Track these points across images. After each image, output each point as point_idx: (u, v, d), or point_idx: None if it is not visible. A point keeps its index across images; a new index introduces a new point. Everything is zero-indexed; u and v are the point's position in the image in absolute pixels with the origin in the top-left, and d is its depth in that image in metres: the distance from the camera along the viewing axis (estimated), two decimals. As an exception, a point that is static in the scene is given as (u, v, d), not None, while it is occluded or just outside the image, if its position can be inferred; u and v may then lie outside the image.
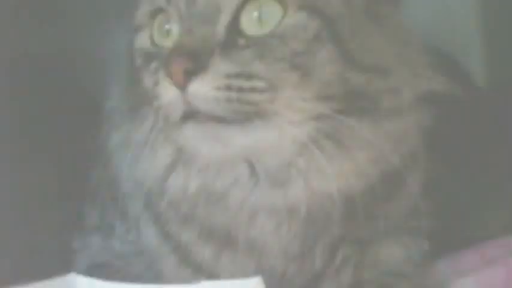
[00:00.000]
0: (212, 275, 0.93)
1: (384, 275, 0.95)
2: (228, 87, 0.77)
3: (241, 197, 0.86)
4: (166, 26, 0.86)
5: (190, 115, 0.78)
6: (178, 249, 0.96)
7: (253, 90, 0.78)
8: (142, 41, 0.89)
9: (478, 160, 1.20)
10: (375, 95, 0.83)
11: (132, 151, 0.89)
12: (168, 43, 0.85)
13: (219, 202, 0.88)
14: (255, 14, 0.80)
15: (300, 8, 0.80)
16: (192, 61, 0.76)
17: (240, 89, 0.77)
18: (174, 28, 0.84)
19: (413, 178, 0.90)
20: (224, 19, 0.80)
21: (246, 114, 0.78)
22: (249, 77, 0.78)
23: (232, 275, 0.91)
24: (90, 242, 1.08)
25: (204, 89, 0.76)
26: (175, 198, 0.90)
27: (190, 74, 0.76)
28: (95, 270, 1.01)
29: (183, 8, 0.82)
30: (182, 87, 0.77)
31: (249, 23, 0.81)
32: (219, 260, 0.93)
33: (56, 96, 1.16)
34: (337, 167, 0.82)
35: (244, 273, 0.90)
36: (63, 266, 1.00)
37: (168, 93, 0.78)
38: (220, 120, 0.78)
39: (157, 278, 0.98)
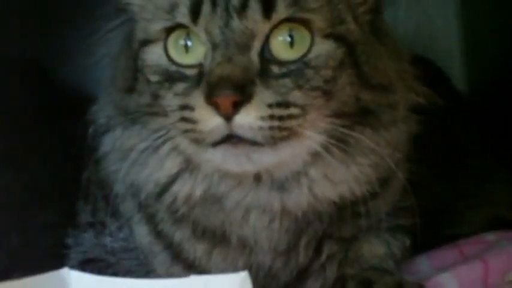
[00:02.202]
0: (203, 271, 0.93)
1: (366, 270, 0.96)
2: (271, 117, 0.77)
3: (239, 198, 0.88)
4: (182, 42, 0.83)
5: (225, 139, 0.79)
6: (170, 247, 0.97)
7: (290, 117, 0.79)
8: (154, 56, 0.86)
9: (459, 162, 1.21)
10: (378, 110, 0.86)
11: (132, 158, 0.89)
12: (187, 60, 0.83)
13: (216, 203, 0.89)
14: (283, 39, 0.81)
15: (327, 36, 0.82)
16: (240, 93, 0.76)
17: (281, 118, 0.78)
18: (200, 46, 0.82)
19: (397, 178, 0.92)
20: (257, 46, 0.80)
21: (281, 138, 0.79)
22: (288, 105, 0.79)
23: (223, 271, 0.92)
24: (83, 239, 1.07)
25: (249, 119, 0.77)
26: (177, 203, 0.90)
27: (237, 105, 0.76)
28: (87, 266, 1.02)
29: (217, 34, 0.80)
30: (229, 117, 0.77)
31: (279, 47, 0.81)
32: (211, 257, 0.94)
33: (49, 97, 1.16)
34: (345, 174, 0.85)
35: (234, 269, 0.90)
36: (56, 261, 1.00)
37: (210, 121, 0.78)
38: (254, 143, 0.79)
39: (149, 274, 0.99)
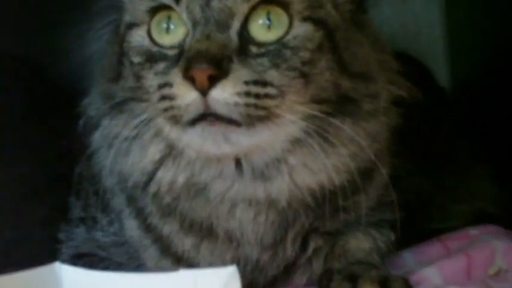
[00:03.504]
0: (192, 265, 0.94)
1: (352, 264, 0.96)
2: (247, 94, 0.78)
3: (223, 190, 0.87)
4: (164, 25, 0.85)
5: (202, 117, 0.79)
6: (160, 240, 0.97)
7: (267, 96, 0.79)
8: (139, 38, 0.87)
9: (441, 157, 1.21)
10: (359, 99, 0.86)
11: (117, 146, 0.89)
12: (167, 41, 0.85)
13: (201, 194, 0.89)
14: (261, 20, 0.82)
15: (305, 19, 0.82)
16: (215, 67, 0.77)
17: (257, 96, 0.78)
18: (180, 28, 0.84)
19: (380, 173, 0.92)
20: (236, 25, 0.81)
21: (258, 118, 0.79)
22: (264, 84, 0.79)
23: (211, 265, 0.92)
24: (75, 234, 1.07)
25: (225, 94, 0.77)
26: (161, 191, 0.90)
27: (213, 80, 0.77)
28: (79, 260, 1.02)
29: (198, 12, 0.81)
30: (205, 91, 0.77)
31: (258, 29, 0.82)
32: (199, 251, 0.94)
33: (42, 93, 1.16)
34: (323, 162, 0.84)
35: (222, 263, 0.91)
36: (49, 255, 1.00)
37: (187, 95, 0.78)
38: (231, 122, 0.79)
39: (139, 268, 0.99)
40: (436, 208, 1.17)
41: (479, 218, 1.17)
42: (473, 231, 1.12)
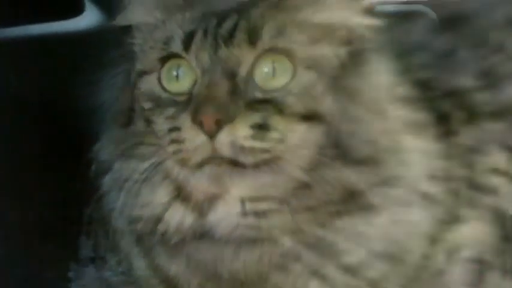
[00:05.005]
0: (197, 304, 0.94)
1: None
2: (253, 137, 0.80)
3: (228, 231, 0.88)
4: (174, 73, 0.87)
5: (210, 160, 0.81)
6: (167, 281, 0.97)
7: (272, 140, 0.81)
8: (149, 85, 0.90)
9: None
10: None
11: (127, 189, 0.91)
12: (177, 88, 0.87)
13: (207, 236, 0.89)
14: (267, 68, 0.84)
15: (309, 67, 0.85)
16: (223, 113, 0.79)
17: (262, 139, 0.81)
18: (190, 75, 0.86)
19: None
20: (242, 73, 0.84)
21: (263, 161, 0.81)
22: (269, 129, 0.81)
23: (215, 304, 0.92)
24: (84, 273, 1.08)
25: (232, 138, 0.79)
26: (169, 232, 0.91)
27: (220, 124, 0.79)
28: (88, 298, 1.03)
29: (206, 61, 0.84)
30: (212, 135, 0.79)
31: (263, 76, 0.84)
32: None
33: (56, 138, 1.17)
34: None
35: (225, 303, 0.92)
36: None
37: (195, 139, 0.80)
38: (237, 164, 0.81)
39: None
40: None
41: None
42: None
